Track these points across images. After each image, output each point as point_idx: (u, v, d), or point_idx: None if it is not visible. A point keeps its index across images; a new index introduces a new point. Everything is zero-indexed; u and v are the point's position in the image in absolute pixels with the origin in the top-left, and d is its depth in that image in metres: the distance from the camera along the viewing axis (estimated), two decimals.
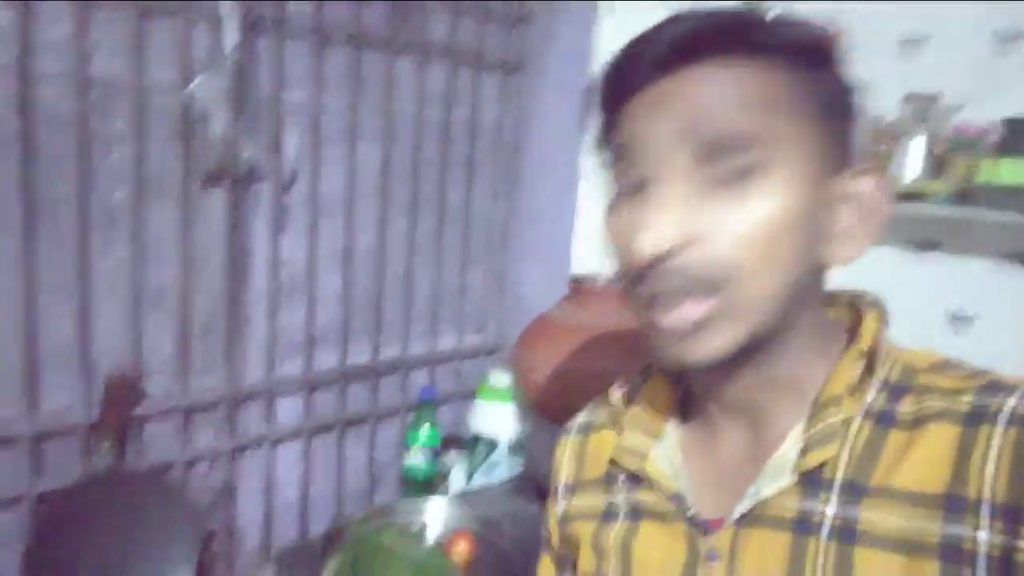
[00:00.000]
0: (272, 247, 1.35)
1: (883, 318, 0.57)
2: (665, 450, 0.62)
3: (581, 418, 0.74)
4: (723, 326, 0.50)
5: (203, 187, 1.27)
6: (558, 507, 0.71)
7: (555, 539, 0.73)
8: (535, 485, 1.48)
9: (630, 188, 0.53)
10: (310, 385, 1.46)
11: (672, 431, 0.64)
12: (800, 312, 0.54)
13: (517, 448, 1.62)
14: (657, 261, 0.49)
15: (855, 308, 0.59)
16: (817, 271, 0.54)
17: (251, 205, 1.35)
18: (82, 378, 1.16)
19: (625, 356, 1.33)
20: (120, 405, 1.18)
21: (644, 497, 0.62)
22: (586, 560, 0.66)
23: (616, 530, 0.63)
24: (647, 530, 0.61)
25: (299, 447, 1.47)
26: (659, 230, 0.48)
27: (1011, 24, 1.62)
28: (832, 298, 0.61)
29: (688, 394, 0.65)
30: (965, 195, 1.47)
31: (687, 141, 0.49)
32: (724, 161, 0.49)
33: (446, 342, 1.73)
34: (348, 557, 1.16)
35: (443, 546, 1.23)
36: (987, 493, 0.46)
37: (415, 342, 1.65)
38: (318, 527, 1.54)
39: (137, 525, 1.21)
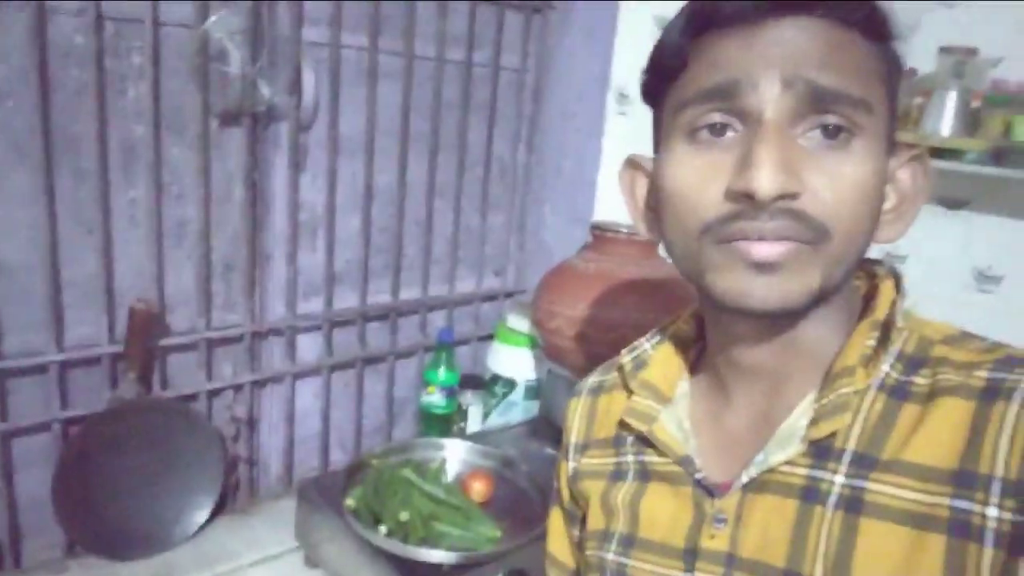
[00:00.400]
0: (291, 187, 1.37)
1: (900, 288, 0.56)
2: (675, 414, 0.62)
3: (592, 379, 0.73)
4: (806, 273, 0.49)
5: (222, 126, 1.29)
6: (569, 465, 0.71)
7: (565, 495, 0.73)
8: (551, 427, 1.51)
9: (710, 131, 0.51)
10: (330, 323, 1.50)
11: (682, 395, 0.63)
12: (849, 279, 0.54)
13: (533, 391, 1.65)
14: (777, 200, 0.47)
15: (872, 277, 0.58)
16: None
17: (270, 145, 1.36)
18: (106, 310, 1.21)
19: (645, 306, 1.33)
20: (143, 337, 1.23)
21: (652, 459, 0.62)
22: (595, 518, 0.66)
23: (624, 490, 0.63)
24: (655, 491, 0.61)
25: (319, 382, 1.52)
26: (779, 170, 0.47)
27: None
28: None
29: (700, 359, 0.64)
30: (999, 153, 1.41)
31: (800, 88, 0.48)
32: (833, 115, 0.48)
33: (465, 284, 1.74)
34: (369, 489, 1.20)
35: (462, 483, 1.27)
36: (999, 470, 0.45)
37: (434, 284, 1.67)
38: (338, 459, 1.60)
39: (163, 451, 1.27)
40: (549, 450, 1.45)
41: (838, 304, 0.55)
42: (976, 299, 1.36)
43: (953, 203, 1.47)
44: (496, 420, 1.66)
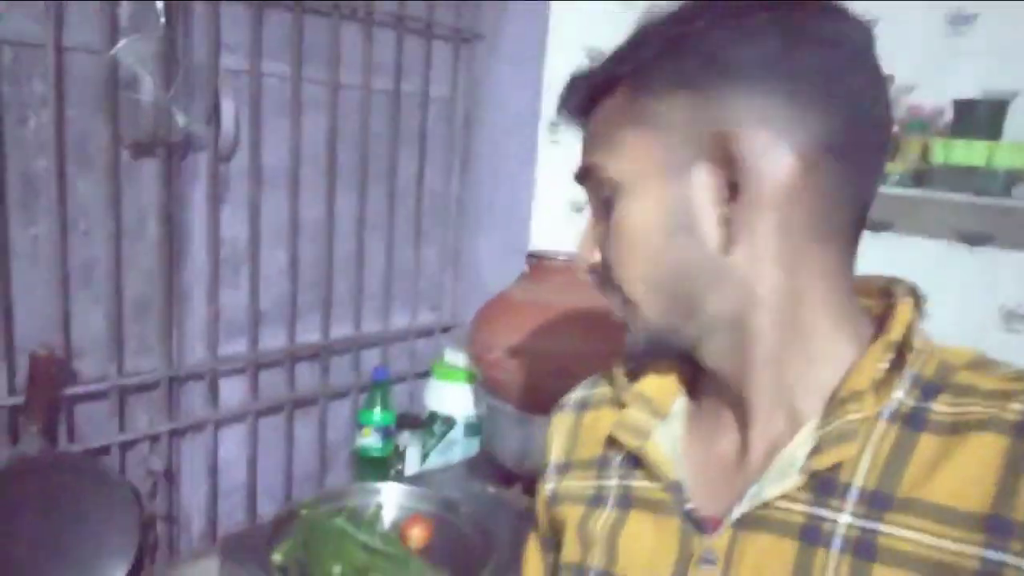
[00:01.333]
0: (211, 221, 1.30)
1: (919, 307, 0.52)
2: (670, 432, 0.58)
3: (577, 393, 0.69)
4: (632, 314, 0.55)
5: (133, 157, 1.21)
6: (547, 487, 0.65)
7: (542, 520, 0.67)
8: (493, 465, 1.45)
9: None
10: (255, 365, 1.41)
11: (679, 412, 0.59)
12: (747, 304, 0.50)
13: (474, 427, 1.59)
14: (588, 272, 0.58)
15: (889, 295, 0.54)
16: (717, 264, 0.50)
17: (187, 177, 1.29)
18: (5, 357, 1.10)
19: (587, 334, 1.30)
20: (47, 386, 1.12)
21: (638, 483, 0.57)
22: (570, 549, 0.60)
23: (603, 519, 0.58)
24: (636, 521, 0.56)
25: (244, 429, 1.42)
26: (581, 251, 0.58)
27: (960, 6, 1.61)
28: (864, 284, 0.55)
29: (697, 377, 0.60)
30: (919, 176, 1.45)
31: (579, 174, 0.57)
32: (599, 191, 0.55)
33: (399, 320, 1.68)
34: (298, 542, 1.11)
35: (399, 530, 1.19)
36: None
37: (367, 320, 1.61)
38: (267, 510, 1.50)
39: (70, 512, 1.16)
40: (491, 489, 1.39)
41: (836, 328, 0.51)
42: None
43: (877, 226, 1.50)
44: (436, 460, 1.59)
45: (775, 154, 0.47)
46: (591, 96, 0.55)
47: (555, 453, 0.66)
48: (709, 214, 0.50)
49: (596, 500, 0.60)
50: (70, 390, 1.17)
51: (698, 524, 0.52)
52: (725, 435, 0.55)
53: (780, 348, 0.51)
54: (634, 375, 0.61)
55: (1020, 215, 1.62)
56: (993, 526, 0.42)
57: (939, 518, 0.44)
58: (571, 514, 0.61)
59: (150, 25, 1.15)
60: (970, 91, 1.68)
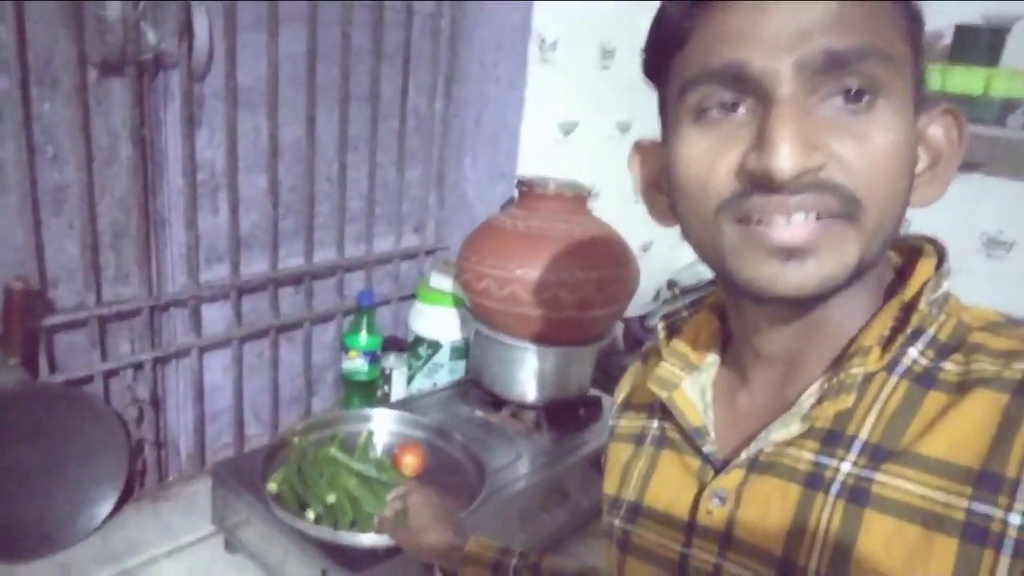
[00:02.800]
0: (186, 143, 1.24)
1: (940, 267, 0.52)
2: (699, 382, 0.60)
3: (648, 343, 0.74)
4: (842, 250, 0.45)
5: (101, 76, 1.14)
6: (611, 423, 0.72)
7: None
8: (480, 390, 1.46)
9: (720, 109, 0.47)
10: (238, 291, 1.39)
11: (710, 365, 0.61)
12: (884, 253, 0.50)
13: (460, 351, 1.59)
14: (800, 177, 0.43)
15: (914, 252, 0.54)
16: None
17: (159, 97, 1.22)
18: None
19: (577, 263, 1.29)
20: (24, 317, 1.09)
21: (670, 427, 0.61)
22: (611, 482, 0.66)
23: (643, 456, 0.63)
24: (667, 460, 0.61)
25: (229, 355, 1.41)
26: (798, 148, 0.43)
27: None
28: (901, 240, 0.55)
29: (730, 333, 0.62)
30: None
31: (815, 57, 0.44)
32: (854, 77, 0.44)
33: (383, 243, 1.66)
34: (292, 472, 1.11)
35: (392, 457, 1.20)
36: None
37: (350, 244, 1.58)
38: (254, 432, 1.51)
39: (56, 441, 1.16)
40: (480, 413, 1.41)
41: (868, 281, 0.51)
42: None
43: None
44: (421, 383, 1.60)
45: (951, 124, 0.51)
46: None
47: (621, 395, 0.72)
48: (928, 155, 0.50)
49: (640, 439, 0.65)
50: (48, 320, 1.14)
51: (714, 464, 0.56)
52: (747, 389, 0.58)
53: (841, 304, 0.51)
54: (675, 330, 0.64)
55: (1011, 144, 1.61)
56: (983, 480, 0.43)
57: (933, 470, 0.45)
58: (621, 451, 0.67)
59: None
60: (971, 16, 1.63)
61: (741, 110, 0.46)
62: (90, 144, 1.14)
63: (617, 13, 1.72)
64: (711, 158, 0.47)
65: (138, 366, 1.28)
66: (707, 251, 0.50)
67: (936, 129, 0.50)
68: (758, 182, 0.45)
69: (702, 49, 0.47)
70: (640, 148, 0.59)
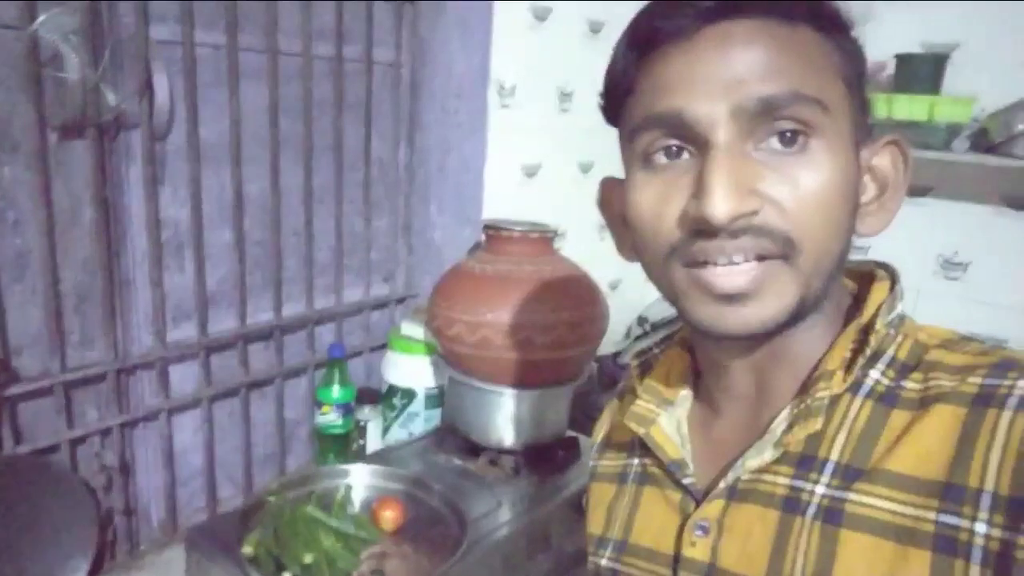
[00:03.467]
0: (150, 202, 1.23)
1: (893, 290, 0.54)
2: (674, 417, 0.62)
3: (623, 381, 0.74)
4: (779, 292, 0.47)
5: (62, 139, 1.13)
6: (590, 463, 0.73)
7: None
8: (457, 437, 1.44)
9: (665, 155, 0.49)
10: (206, 349, 1.36)
11: (683, 400, 0.63)
12: (832, 286, 0.52)
13: (435, 399, 1.58)
14: (734, 222, 0.45)
15: (868, 277, 0.56)
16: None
17: (121, 157, 1.21)
18: None
19: (547, 305, 1.29)
20: None
21: (651, 463, 0.63)
22: (595, 522, 0.67)
23: (626, 495, 0.64)
24: (649, 496, 0.62)
25: (199, 415, 1.38)
26: (732, 192, 0.45)
27: None
28: (856, 267, 0.58)
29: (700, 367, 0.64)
30: None
31: (747, 104, 0.46)
32: (786, 120, 0.46)
33: (352, 293, 1.65)
34: (268, 532, 1.08)
35: (370, 512, 1.18)
36: (989, 484, 0.43)
37: (319, 296, 1.57)
38: (228, 495, 1.47)
39: (23, 515, 1.11)
40: (457, 461, 1.39)
41: (825, 310, 0.53)
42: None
43: None
44: (397, 434, 1.58)
45: (896, 155, 0.53)
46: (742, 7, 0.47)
47: (600, 435, 0.73)
48: (867, 185, 0.52)
49: (623, 477, 0.66)
50: (12, 390, 1.11)
51: (694, 496, 0.57)
52: (725, 415, 0.59)
53: (803, 333, 0.53)
54: (647, 367, 0.66)
55: (958, 168, 1.67)
56: (949, 492, 0.45)
57: (901, 486, 0.47)
58: (604, 491, 0.68)
59: None
60: (910, 45, 1.70)
61: (684, 155, 0.49)
62: (51, 208, 1.13)
63: (573, 56, 1.76)
64: (659, 205, 0.49)
65: (106, 432, 1.24)
66: (663, 290, 0.53)
67: (882, 160, 0.52)
68: (698, 228, 0.47)
69: (646, 97, 0.49)
70: (606, 185, 0.61)
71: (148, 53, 1.18)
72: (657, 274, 0.52)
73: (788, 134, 0.46)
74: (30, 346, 1.15)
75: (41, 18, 1.03)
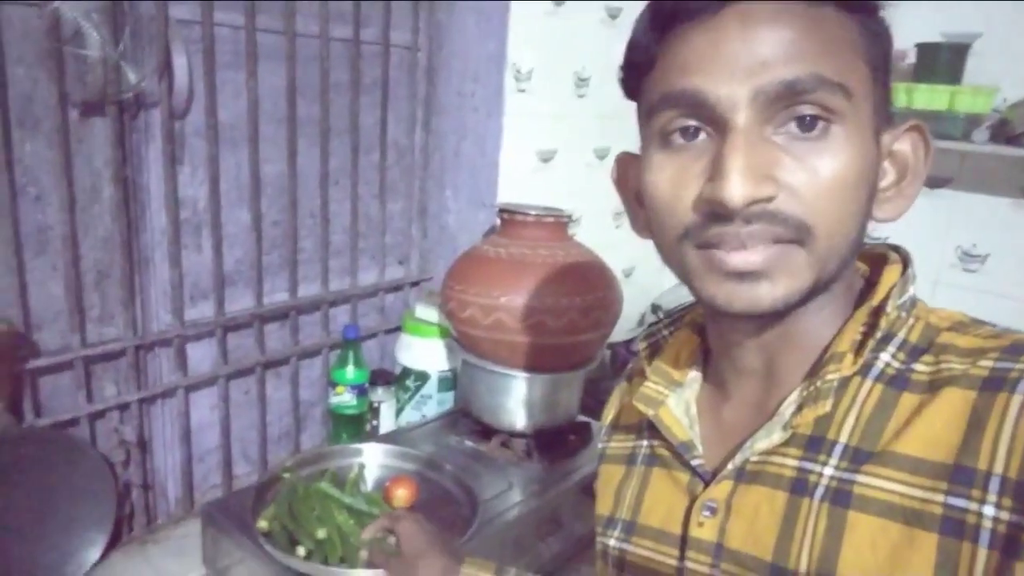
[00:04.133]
0: (169, 182, 1.24)
1: (906, 273, 0.54)
2: (683, 398, 0.62)
3: (631, 363, 0.74)
4: (792, 273, 0.47)
5: (83, 117, 1.14)
6: (599, 446, 0.73)
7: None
8: (469, 419, 1.46)
9: (682, 135, 0.49)
10: (223, 328, 1.38)
11: (692, 381, 0.63)
12: (846, 269, 0.52)
13: (448, 382, 1.59)
14: (749, 207, 0.45)
15: (881, 260, 0.56)
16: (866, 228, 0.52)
17: (141, 136, 1.23)
18: None
19: (561, 289, 1.30)
20: (8, 361, 1.08)
21: (659, 444, 0.62)
22: (604, 502, 0.67)
23: (635, 476, 0.64)
24: (658, 477, 0.62)
25: (216, 393, 1.40)
26: (748, 178, 0.45)
27: None
28: (869, 250, 0.58)
29: (709, 349, 0.64)
30: None
31: (768, 87, 0.45)
32: (807, 106, 0.46)
33: (367, 276, 1.66)
34: (283, 508, 1.10)
35: (383, 491, 1.19)
36: (998, 467, 0.43)
37: (335, 277, 1.58)
38: (243, 472, 1.49)
39: (42, 486, 1.14)
40: (470, 443, 1.40)
41: (837, 292, 0.53)
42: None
43: None
44: (410, 416, 1.59)
45: (917, 140, 0.53)
46: None
47: (609, 417, 0.73)
48: (887, 170, 0.52)
49: (631, 459, 0.66)
50: (33, 364, 1.13)
51: (703, 477, 0.57)
52: (729, 401, 0.59)
53: (813, 315, 0.53)
54: (656, 349, 0.66)
55: (978, 158, 1.66)
56: (957, 475, 0.45)
57: (910, 468, 0.47)
58: (613, 472, 0.68)
59: None
60: (931, 34, 1.69)
61: (702, 136, 0.48)
62: (72, 185, 1.14)
63: (590, 41, 1.75)
64: (674, 187, 0.49)
65: (124, 407, 1.26)
66: (675, 270, 0.53)
67: (903, 145, 0.52)
68: (713, 211, 0.47)
69: (665, 75, 0.49)
70: (622, 161, 0.61)
71: (168, 32, 1.19)
72: (669, 254, 0.52)
73: (808, 119, 0.46)
74: (51, 321, 1.17)
75: None
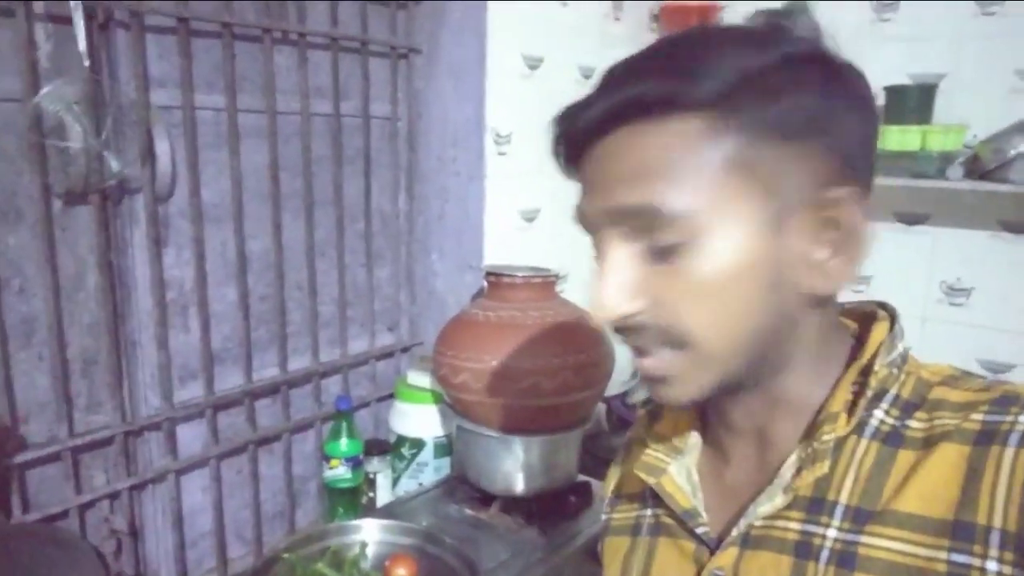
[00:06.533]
0: (154, 264, 1.24)
1: (893, 329, 0.54)
2: (684, 465, 0.62)
3: (631, 431, 0.75)
4: (690, 377, 0.50)
5: (66, 206, 1.15)
6: (603, 517, 0.72)
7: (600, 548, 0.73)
8: (467, 486, 1.43)
9: (597, 247, 0.53)
10: (213, 408, 1.36)
11: (692, 448, 0.63)
12: (790, 342, 0.52)
13: (443, 448, 1.57)
14: (620, 321, 0.50)
15: (869, 318, 0.56)
16: (802, 302, 0.50)
17: (125, 221, 1.23)
18: None
19: (552, 350, 1.29)
20: None
21: (664, 513, 0.62)
22: (611, 573, 0.67)
23: (641, 547, 0.64)
24: (664, 546, 0.61)
25: (208, 474, 1.37)
26: (609, 300, 0.49)
27: None
28: (849, 309, 0.59)
29: (707, 410, 0.64)
30: None
31: (614, 215, 0.49)
32: (654, 236, 0.48)
33: (358, 345, 1.65)
34: None
35: (384, 570, 1.16)
36: (997, 520, 0.43)
37: (324, 348, 1.57)
38: (238, 553, 1.45)
39: None
40: (469, 511, 1.38)
41: (820, 352, 0.53)
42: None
43: None
44: (407, 484, 1.57)
45: (856, 200, 0.49)
46: (617, 117, 0.48)
47: (611, 487, 0.73)
48: (803, 261, 0.49)
49: (636, 529, 0.65)
50: (20, 457, 1.10)
51: (708, 545, 0.56)
52: (734, 459, 0.59)
53: (801, 379, 0.53)
54: (656, 415, 0.66)
55: (954, 195, 1.68)
56: (958, 531, 0.45)
57: (912, 526, 0.47)
58: (618, 545, 0.67)
59: (73, 66, 1.09)
60: (899, 77, 1.73)
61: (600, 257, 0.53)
62: (57, 274, 1.14)
63: (566, 101, 1.78)
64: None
65: (114, 495, 1.24)
66: None
67: (842, 210, 0.49)
68: None
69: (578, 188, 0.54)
70: None
71: (149, 119, 1.20)
72: None
73: (659, 250, 0.48)
74: (37, 412, 1.15)
75: (44, 90, 1.05)
